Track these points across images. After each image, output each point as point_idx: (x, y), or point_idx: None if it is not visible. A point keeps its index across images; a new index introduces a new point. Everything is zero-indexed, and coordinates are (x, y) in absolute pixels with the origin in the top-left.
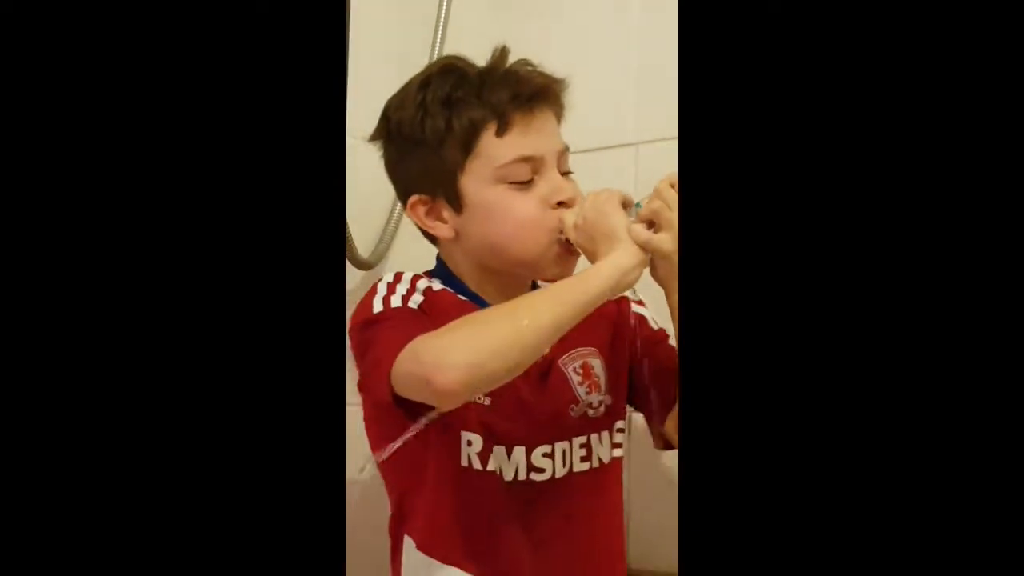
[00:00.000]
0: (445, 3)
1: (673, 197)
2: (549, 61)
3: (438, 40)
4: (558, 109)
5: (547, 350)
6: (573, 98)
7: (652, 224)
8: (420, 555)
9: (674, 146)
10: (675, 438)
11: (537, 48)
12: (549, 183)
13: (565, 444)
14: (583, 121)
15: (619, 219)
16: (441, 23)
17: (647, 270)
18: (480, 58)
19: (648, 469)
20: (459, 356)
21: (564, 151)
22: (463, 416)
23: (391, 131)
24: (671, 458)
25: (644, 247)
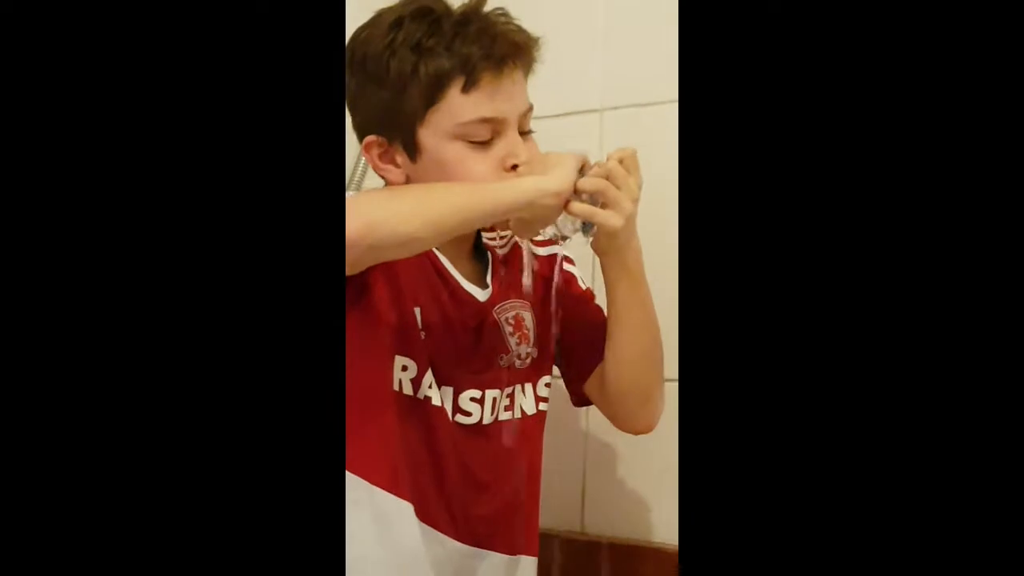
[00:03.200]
0: None
1: (622, 174)
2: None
3: None
4: (528, 66)
5: (446, 237)
6: (539, 63)
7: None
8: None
9: (639, 112)
10: (594, 397)
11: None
12: (507, 145)
13: (496, 392)
14: (548, 86)
15: (567, 157)
16: None
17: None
18: None
19: (604, 441)
20: (360, 209)
21: (528, 111)
22: (400, 341)
23: (355, 63)
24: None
25: (589, 220)
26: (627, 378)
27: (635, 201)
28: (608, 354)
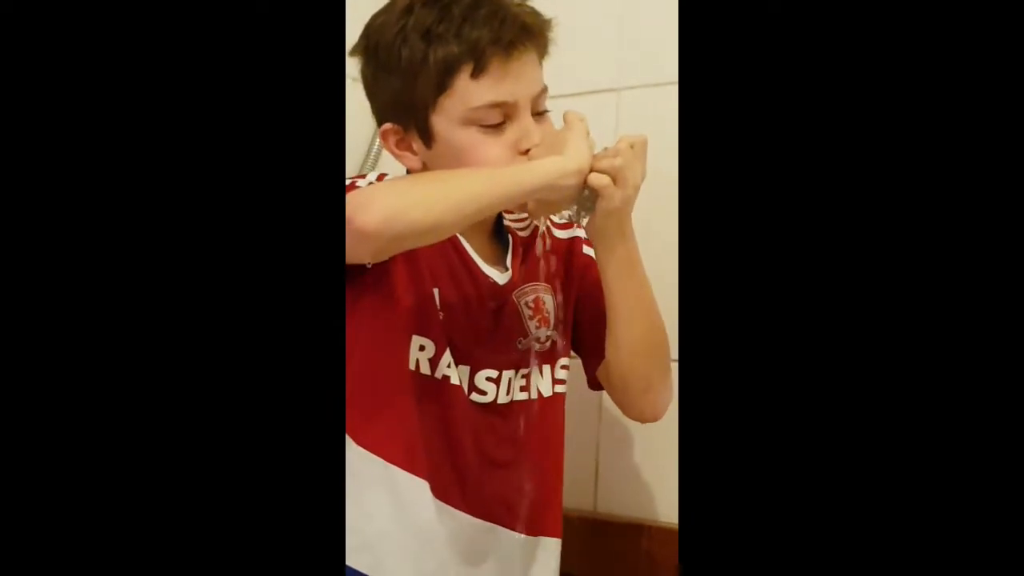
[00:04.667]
0: None
1: (631, 158)
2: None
3: None
4: (542, 48)
5: (467, 223)
6: (555, 42)
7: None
8: (360, 450)
9: (655, 92)
10: (604, 383)
11: None
12: (519, 129)
13: (511, 373)
14: (564, 66)
15: (578, 133)
16: None
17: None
18: None
19: (618, 422)
20: (383, 199)
21: (541, 93)
22: (417, 321)
23: (369, 50)
24: None
25: (602, 191)
26: (626, 365)
27: (636, 188)
28: (608, 341)
